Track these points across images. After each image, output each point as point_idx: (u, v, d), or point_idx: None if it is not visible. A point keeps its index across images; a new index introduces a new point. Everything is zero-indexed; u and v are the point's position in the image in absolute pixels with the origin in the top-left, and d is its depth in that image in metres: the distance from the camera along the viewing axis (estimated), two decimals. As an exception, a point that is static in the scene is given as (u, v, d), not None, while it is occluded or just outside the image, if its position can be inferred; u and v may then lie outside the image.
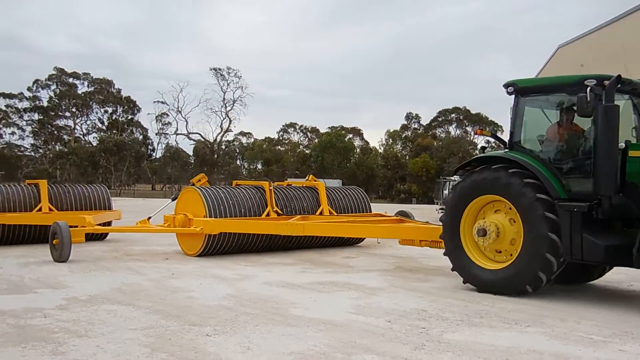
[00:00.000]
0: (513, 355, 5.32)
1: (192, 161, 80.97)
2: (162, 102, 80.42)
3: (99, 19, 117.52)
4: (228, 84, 78.73)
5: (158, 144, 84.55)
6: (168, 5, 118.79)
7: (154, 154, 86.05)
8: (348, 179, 70.59)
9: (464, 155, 71.97)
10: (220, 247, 11.90)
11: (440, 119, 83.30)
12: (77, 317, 6.55)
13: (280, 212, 12.62)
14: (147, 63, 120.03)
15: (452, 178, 31.66)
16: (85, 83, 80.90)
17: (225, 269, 10.33)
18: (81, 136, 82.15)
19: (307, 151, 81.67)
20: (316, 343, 5.59)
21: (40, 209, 13.88)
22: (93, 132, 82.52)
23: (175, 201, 12.99)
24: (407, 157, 77.28)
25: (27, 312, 6.77)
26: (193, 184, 13.37)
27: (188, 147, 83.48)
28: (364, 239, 14.22)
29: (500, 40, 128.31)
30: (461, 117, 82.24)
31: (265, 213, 12.42)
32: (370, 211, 14.64)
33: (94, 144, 78.03)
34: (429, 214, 33.43)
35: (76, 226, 11.64)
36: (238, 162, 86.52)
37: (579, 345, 5.73)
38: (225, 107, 79.13)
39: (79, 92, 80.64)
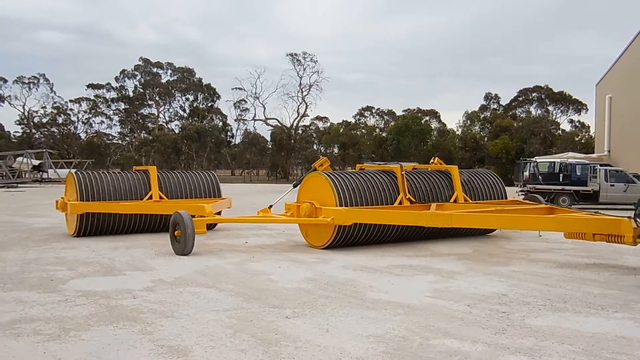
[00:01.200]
0: (599, 342, 5.13)
1: (270, 146, 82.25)
2: (240, 89, 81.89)
3: (177, 9, 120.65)
4: (304, 69, 79.03)
5: (237, 130, 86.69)
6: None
7: (233, 140, 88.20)
8: (425, 162, 69.55)
9: (546, 135, 69.40)
10: (351, 238, 10.83)
11: (520, 99, 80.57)
12: (164, 298, 6.86)
13: (413, 199, 11.38)
14: (224, 51, 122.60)
15: (533, 160, 30.62)
16: (169, 72, 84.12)
17: (304, 253, 10.49)
18: (164, 124, 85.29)
19: (383, 134, 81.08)
20: (394, 326, 5.60)
21: (150, 197, 13.37)
22: (175, 120, 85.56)
23: (297, 188, 12.00)
24: (486, 139, 75.25)
25: (118, 293, 7.15)
26: (315, 169, 12.28)
27: (266, 133, 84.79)
28: (494, 229, 12.87)
29: (583, 15, 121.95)
30: (543, 96, 79.17)
31: (398, 201, 11.21)
32: (506, 197, 13.19)
33: (176, 131, 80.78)
34: (509, 196, 32.59)
35: (194, 216, 10.85)
36: (315, 146, 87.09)
37: (671, 332, 5.45)
38: (302, 92, 79.55)
39: (162, 81, 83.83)
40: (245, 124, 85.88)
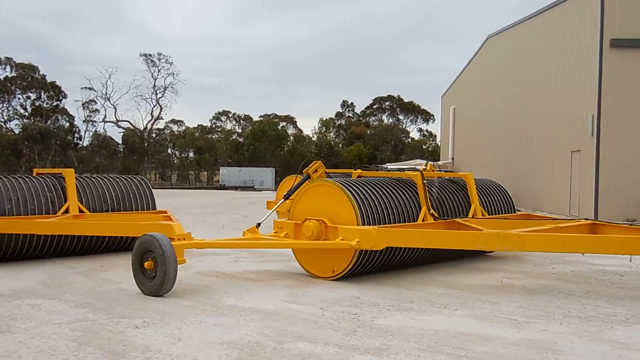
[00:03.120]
0: (442, 338, 5.50)
1: (122, 149, 78.77)
2: (90, 89, 77.80)
3: (22, 1, 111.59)
4: (159, 71, 76.92)
5: (85, 132, 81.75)
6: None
7: (81, 142, 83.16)
8: (281, 167, 70.51)
9: (397, 143, 73.39)
10: (374, 265, 8.61)
11: (374, 107, 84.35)
12: (-3, 313, 6.30)
13: (436, 215, 9.33)
14: (74, 48, 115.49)
15: (384, 166, 32.29)
16: (7, 68, 77.06)
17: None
18: (1, 123, 78.35)
19: (240, 139, 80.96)
20: (249, 332, 5.60)
21: (67, 211, 10.08)
22: (15, 119, 78.79)
23: (289, 200, 9.52)
24: (341, 145, 77.94)
25: (-58, 309, 6.44)
26: (309, 176, 9.94)
27: (117, 135, 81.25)
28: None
29: (434, 30, 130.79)
30: (394, 106, 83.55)
31: (421, 217, 9.08)
32: (515, 210, 11.45)
33: (16, 131, 74.54)
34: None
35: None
36: (169, 150, 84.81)
37: (504, 326, 5.99)
38: (156, 94, 77.26)
39: (0, 77, 76.73)
40: (95, 125, 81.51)
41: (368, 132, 77.65)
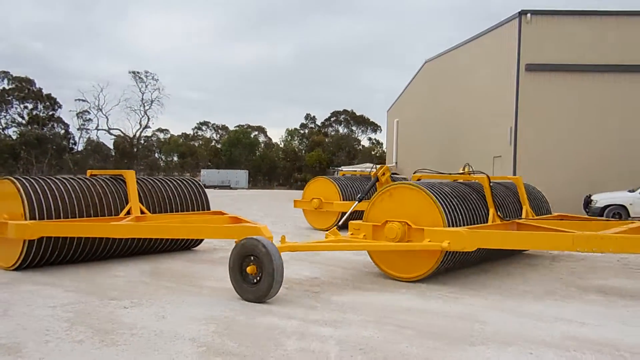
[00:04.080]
0: (388, 312, 5.49)
1: (113, 154, 76.83)
2: (83, 100, 75.52)
3: (17, 20, 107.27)
4: (146, 86, 75.17)
5: (79, 138, 79.29)
6: (88, 10, 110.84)
7: (75, 147, 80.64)
8: (253, 169, 70.10)
9: (350, 149, 73.78)
10: (455, 263, 7.71)
11: (332, 119, 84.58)
12: None
13: (501, 216, 8.28)
14: (68, 65, 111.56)
15: (340, 168, 32.45)
16: (5, 81, 73.65)
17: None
18: (0, 130, 74.98)
19: (218, 146, 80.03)
20: (225, 310, 5.48)
21: (128, 213, 8.45)
22: (12, 127, 75.29)
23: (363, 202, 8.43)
24: (304, 151, 77.92)
25: (-50, 293, 6.12)
26: (377, 178, 8.91)
27: (109, 142, 79.06)
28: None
29: (382, 55, 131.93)
30: (348, 118, 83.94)
31: (491, 219, 8.02)
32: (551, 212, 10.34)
33: (14, 137, 71.42)
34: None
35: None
36: (156, 155, 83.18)
37: (439, 301, 6.03)
38: (144, 106, 75.55)
39: (-2, 89, 72.87)
40: (88, 132, 79.15)
41: (326, 140, 77.84)
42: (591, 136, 22.48)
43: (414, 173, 9.15)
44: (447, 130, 31.05)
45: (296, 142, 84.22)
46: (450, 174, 9.49)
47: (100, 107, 74.99)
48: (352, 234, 7.61)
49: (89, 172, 9.06)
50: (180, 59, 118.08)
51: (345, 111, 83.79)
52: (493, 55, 25.33)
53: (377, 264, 7.61)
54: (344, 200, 13.51)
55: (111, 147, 77.10)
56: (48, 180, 7.99)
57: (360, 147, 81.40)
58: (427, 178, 9.10)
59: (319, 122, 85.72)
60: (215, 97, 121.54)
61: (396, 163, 42.85)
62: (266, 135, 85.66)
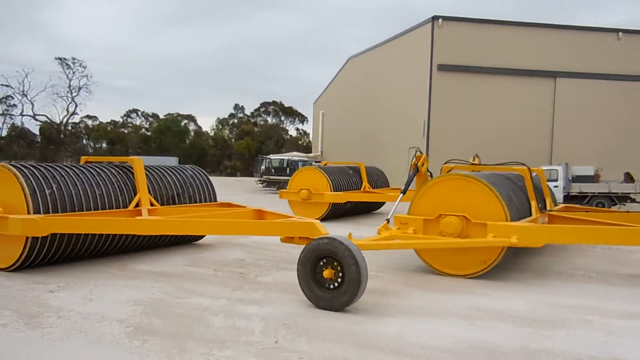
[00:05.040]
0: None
1: (39, 140, 71.84)
2: (7, 85, 69.96)
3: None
4: (74, 73, 70.65)
5: (3, 124, 73.42)
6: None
7: (-1, 133, 74.62)
8: (184, 156, 68.24)
9: (278, 139, 73.61)
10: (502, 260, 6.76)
11: (261, 109, 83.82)
12: None
13: (541, 208, 7.84)
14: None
15: (268, 157, 32.35)
16: None
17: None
18: None
19: (148, 133, 77.00)
20: (154, 291, 5.38)
21: (138, 205, 7.22)
22: None
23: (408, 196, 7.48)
24: (233, 140, 76.80)
25: None
26: (417, 169, 8.03)
27: (34, 128, 73.74)
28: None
29: (309, 50, 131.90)
30: (277, 109, 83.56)
31: (534, 211, 7.59)
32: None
33: None
34: (250, 184, 33.75)
35: None
36: (84, 141, 78.71)
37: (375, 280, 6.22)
38: (71, 93, 70.99)
39: None
40: (12, 118, 73.47)
41: (255, 129, 77.15)
42: (496, 130, 23.88)
43: (444, 163, 8.03)
44: (368, 123, 31.77)
45: (226, 130, 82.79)
46: (486, 165, 8.54)
47: (25, 92, 69.72)
48: (398, 228, 6.80)
49: (83, 159, 7.93)
50: (111, 45, 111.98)
51: (274, 102, 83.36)
52: (409, 55, 26.14)
53: (426, 261, 6.78)
54: (334, 191, 12.88)
55: (37, 133, 72.05)
56: (49, 168, 6.66)
57: (288, 136, 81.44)
58: (458, 169, 8.05)
59: (248, 112, 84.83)
60: (145, 86, 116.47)
61: (321, 152, 43.31)
62: (196, 124, 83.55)
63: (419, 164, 8.19)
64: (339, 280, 4.79)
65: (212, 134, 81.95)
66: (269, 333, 4.16)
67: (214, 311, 4.72)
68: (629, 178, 19.79)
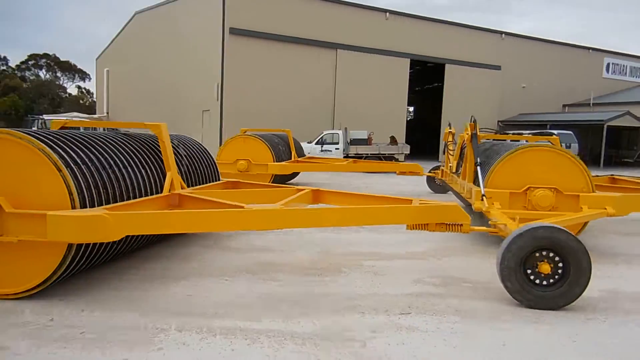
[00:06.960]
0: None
1: None
2: None
3: None
4: None
5: None
6: None
7: None
8: None
9: (54, 97, 64.90)
10: None
11: (30, 63, 72.34)
12: None
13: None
14: None
15: (42, 117, 28.49)
16: None
17: None
18: None
19: None
20: None
21: (171, 189, 5.26)
22: None
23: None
24: (-5, 97, 64.97)
25: None
26: (475, 135, 6.97)
27: None
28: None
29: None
30: (52, 63, 73.17)
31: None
32: None
33: None
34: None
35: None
36: None
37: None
38: None
39: None
40: None
41: (24, 85, 66.34)
42: (286, 96, 25.08)
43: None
44: (160, 84, 30.23)
45: (-15, 85, 69.49)
46: (515, 134, 8.08)
47: None
48: (492, 204, 6.15)
49: (52, 123, 5.44)
50: None
51: (46, 55, 72.73)
52: (202, 16, 25.47)
53: None
54: (277, 161, 11.22)
55: None
56: (78, 138, 4.48)
57: (67, 95, 72.38)
58: (486, 138, 8.13)
59: (13, 65, 72.46)
60: None
61: (107, 113, 39.77)
62: (-59, 75, 68.18)
63: (477, 132, 7.29)
64: (558, 275, 4.17)
65: (-35, 88, 67.90)
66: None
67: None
68: (393, 141, 23.04)
